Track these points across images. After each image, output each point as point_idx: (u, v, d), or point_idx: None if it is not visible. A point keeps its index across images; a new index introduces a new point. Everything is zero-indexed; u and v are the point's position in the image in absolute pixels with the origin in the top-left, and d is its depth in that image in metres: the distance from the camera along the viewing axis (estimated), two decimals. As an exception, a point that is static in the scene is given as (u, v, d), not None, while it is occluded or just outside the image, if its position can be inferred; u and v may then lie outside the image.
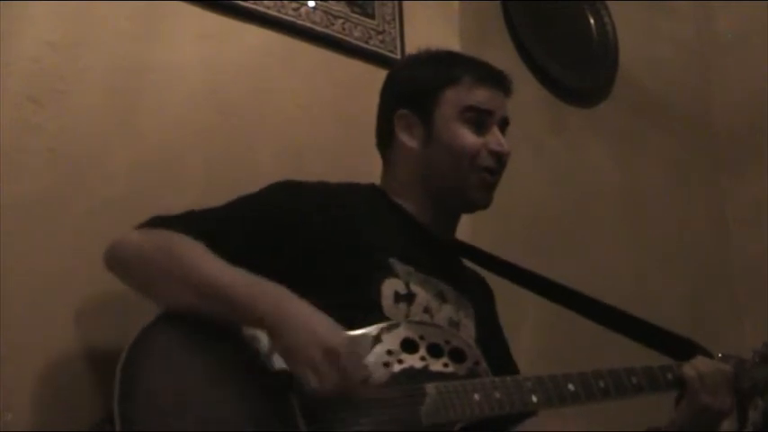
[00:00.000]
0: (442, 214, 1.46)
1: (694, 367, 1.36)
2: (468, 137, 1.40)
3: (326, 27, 1.86)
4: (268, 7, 1.78)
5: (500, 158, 1.42)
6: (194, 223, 1.26)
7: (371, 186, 1.48)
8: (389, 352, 1.22)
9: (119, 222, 1.47)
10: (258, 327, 1.16)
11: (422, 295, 1.34)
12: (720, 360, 1.41)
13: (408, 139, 1.43)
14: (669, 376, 1.37)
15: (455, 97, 1.42)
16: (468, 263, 1.58)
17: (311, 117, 1.83)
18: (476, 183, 1.41)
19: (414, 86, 1.45)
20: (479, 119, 1.42)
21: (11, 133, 1.42)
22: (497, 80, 1.46)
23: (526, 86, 2.35)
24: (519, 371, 1.47)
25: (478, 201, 1.44)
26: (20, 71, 1.45)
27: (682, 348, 1.43)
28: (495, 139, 1.41)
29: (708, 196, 2.89)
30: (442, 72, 1.44)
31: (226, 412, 1.10)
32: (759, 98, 2.83)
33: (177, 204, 1.53)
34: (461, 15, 2.16)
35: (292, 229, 1.30)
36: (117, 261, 1.26)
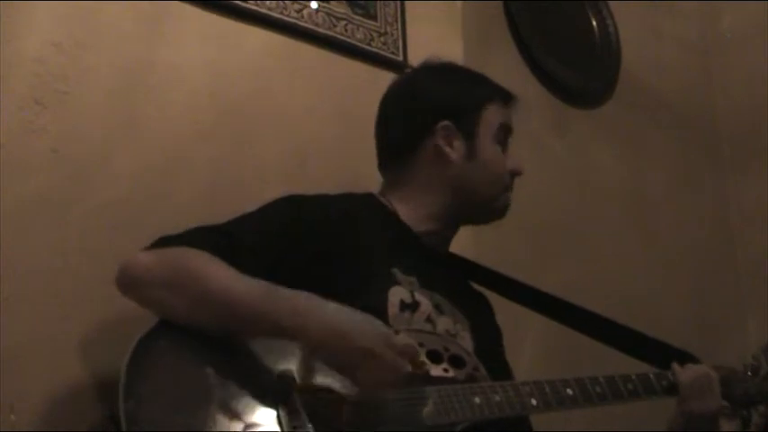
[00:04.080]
0: (450, 227, 1.50)
1: (685, 375, 1.43)
2: (502, 158, 1.49)
3: (329, 29, 1.86)
4: (270, 9, 1.78)
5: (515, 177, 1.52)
6: (204, 239, 1.24)
7: (369, 196, 1.49)
8: None
9: (122, 223, 1.49)
10: (287, 340, 1.15)
11: (425, 304, 1.35)
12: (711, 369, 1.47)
13: (450, 151, 1.45)
14: (664, 383, 1.43)
15: (492, 115, 1.48)
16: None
17: (314, 118, 1.83)
18: (503, 200, 1.50)
19: (457, 100, 1.48)
20: (505, 137, 1.50)
21: (15, 134, 1.42)
22: (515, 100, 1.53)
23: (529, 87, 2.35)
24: None
25: (499, 216, 1.52)
26: (24, 72, 1.45)
27: (673, 359, 1.48)
28: (515, 159, 1.50)
29: (711, 195, 2.89)
30: (481, 89, 1.51)
31: (230, 411, 1.10)
32: (762, 97, 2.83)
33: (181, 205, 1.55)
34: (464, 17, 2.16)
35: (298, 242, 1.30)
36: (130, 286, 1.23)
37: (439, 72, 1.54)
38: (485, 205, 1.49)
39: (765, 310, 2.62)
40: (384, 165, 1.52)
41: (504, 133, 1.50)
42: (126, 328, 1.37)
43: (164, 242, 1.24)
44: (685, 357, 1.48)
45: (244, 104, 1.73)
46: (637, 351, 1.52)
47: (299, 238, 1.30)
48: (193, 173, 1.62)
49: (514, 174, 1.50)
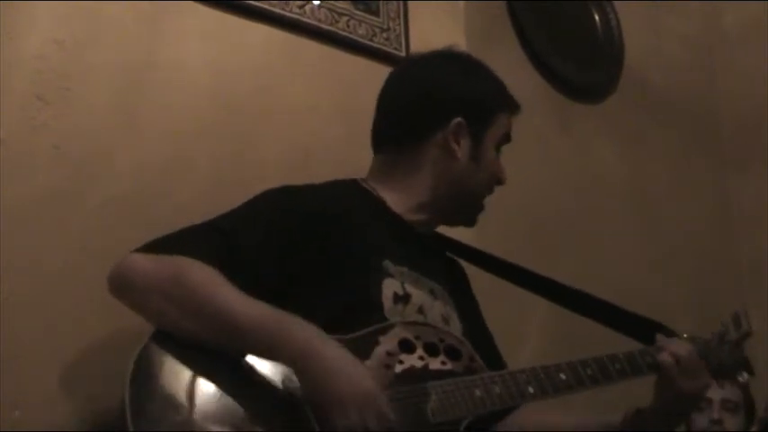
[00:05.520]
0: (436, 220, 1.50)
1: (668, 352, 1.37)
2: (499, 165, 1.49)
3: (331, 24, 1.86)
4: (273, 5, 1.78)
5: None
6: (202, 244, 1.23)
7: (354, 182, 1.47)
8: (389, 353, 1.23)
9: (124, 220, 1.49)
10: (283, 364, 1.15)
11: (416, 295, 1.35)
12: (687, 341, 1.42)
13: (457, 148, 1.44)
14: (649, 360, 1.39)
15: (501, 123, 1.49)
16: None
17: (316, 114, 1.83)
18: (481, 206, 1.50)
19: (475, 101, 1.47)
20: (502, 146, 1.50)
21: (17, 131, 1.42)
22: (519, 112, 1.53)
23: (531, 83, 2.35)
24: (502, 357, 1.50)
25: (472, 221, 1.52)
26: (26, 69, 1.45)
27: (651, 331, 1.45)
28: (503, 169, 1.50)
29: (712, 192, 2.89)
30: (498, 95, 1.50)
31: (238, 419, 1.10)
32: (764, 94, 2.83)
33: (182, 203, 1.55)
34: (467, 13, 2.15)
35: (292, 235, 1.29)
36: (124, 289, 1.22)
37: (463, 66, 1.52)
38: (469, 207, 1.50)
39: (766, 306, 2.62)
40: (379, 145, 1.50)
41: (504, 142, 1.50)
42: (127, 326, 1.38)
43: (159, 246, 1.22)
44: (661, 329, 1.45)
45: (245, 101, 1.73)
46: (610, 322, 1.51)
47: (293, 232, 1.30)
48: (195, 171, 1.62)
49: (500, 183, 1.51)
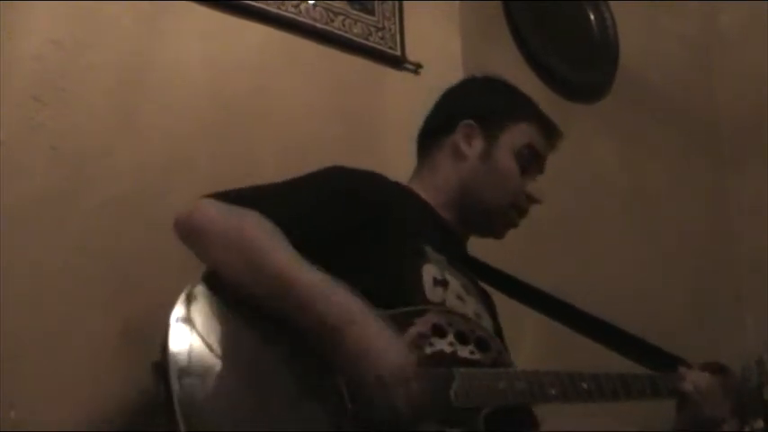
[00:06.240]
0: (461, 223, 1.53)
1: (690, 381, 1.46)
2: (516, 174, 1.51)
3: (326, 24, 1.87)
4: (268, 5, 1.78)
5: (531, 204, 1.54)
6: (268, 204, 1.25)
7: (397, 183, 1.52)
8: (421, 335, 1.25)
9: (123, 220, 1.49)
10: (323, 335, 1.14)
11: (453, 283, 1.38)
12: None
13: (466, 148, 1.50)
14: (670, 385, 1.47)
15: (522, 133, 1.52)
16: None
17: (312, 113, 1.83)
18: (504, 219, 1.53)
19: (489, 105, 1.55)
20: (529, 161, 1.52)
21: (14, 131, 1.42)
22: (557, 138, 1.57)
23: (527, 84, 2.32)
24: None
25: (497, 234, 1.55)
26: (23, 69, 1.46)
27: (670, 364, 1.51)
28: (537, 187, 1.54)
29: (711, 192, 2.89)
30: (523, 108, 1.55)
31: (268, 394, 1.12)
32: (762, 94, 2.83)
33: (181, 203, 1.53)
34: (462, 12, 2.16)
35: (348, 213, 1.33)
36: (191, 233, 1.24)
37: (489, 81, 1.61)
38: (487, 214, 1.52)
39: (764, 306, 2.62)
40: (417, 153, 1.58)
41: (530, 155, 1.53)
42: (126, 326, 1.38)
43: (229, 196, 1.25)
44: (678, 362, 1.52)
45: (243, 100, 1.73)
46: (635, 355, 1.55)
47: (349, 209, 1.33)
48: (194, 169, 1.62)
49: (531, 199, 1.53)
